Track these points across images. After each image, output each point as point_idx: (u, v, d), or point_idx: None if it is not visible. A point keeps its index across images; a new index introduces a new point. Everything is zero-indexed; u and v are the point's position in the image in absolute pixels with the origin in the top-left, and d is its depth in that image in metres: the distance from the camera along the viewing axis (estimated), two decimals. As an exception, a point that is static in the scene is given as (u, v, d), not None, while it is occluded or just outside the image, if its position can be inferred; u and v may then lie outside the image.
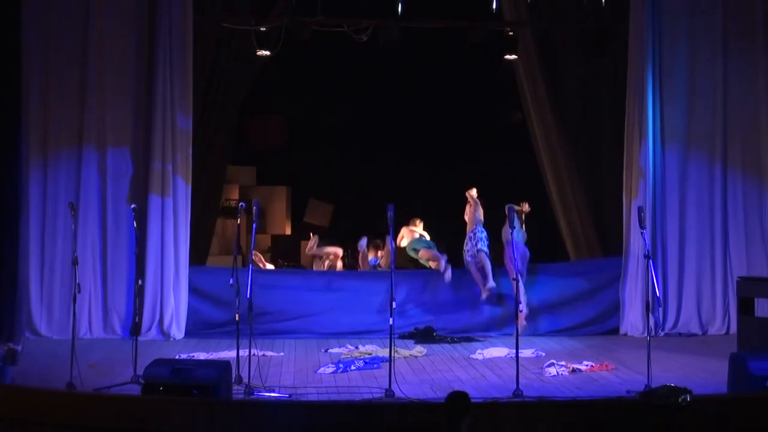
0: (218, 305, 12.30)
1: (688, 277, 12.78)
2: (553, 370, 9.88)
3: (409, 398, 8.60)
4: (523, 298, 11.57)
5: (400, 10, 13.20)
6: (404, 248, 13.32)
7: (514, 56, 13.75)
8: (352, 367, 10.12)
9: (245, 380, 8.98)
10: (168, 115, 12.27)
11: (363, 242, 14.04)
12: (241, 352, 9.19)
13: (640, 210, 9.37)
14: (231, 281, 9.27)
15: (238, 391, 8.68)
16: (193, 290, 12.35)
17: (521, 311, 9.22)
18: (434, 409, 7.66)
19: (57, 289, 12.09)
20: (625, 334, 12.57)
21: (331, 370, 10.04)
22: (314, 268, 14.05)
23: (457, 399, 6.73)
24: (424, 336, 12.24)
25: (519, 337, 9.25)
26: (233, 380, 8.76)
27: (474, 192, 12.72)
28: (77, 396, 8.27)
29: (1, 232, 11.39)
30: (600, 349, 11.39)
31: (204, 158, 13.39)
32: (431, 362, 10.69)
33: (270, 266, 13.97)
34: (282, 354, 11.07)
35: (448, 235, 14.48)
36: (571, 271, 13.23)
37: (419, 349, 11.36)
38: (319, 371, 10.02)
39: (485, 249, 12.40)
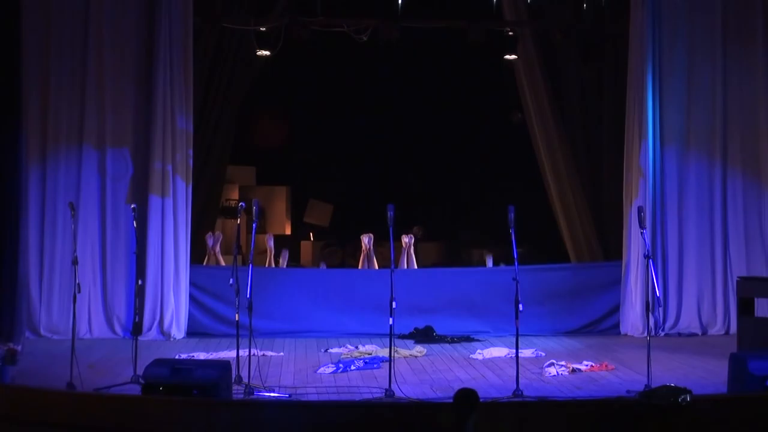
0: (219, 304, 12.38)
1: (687, 277, 12.79)
2: (553, 370, 9.88)
3: (409, 398, 8.60)
4: None
5: (400, 10, 13.21)
6: None
7: (514, 56, 13.75)
8: (352, 367, 10.12)
9: (245, 380, 8.98)
10: (168, 116, 12.27)
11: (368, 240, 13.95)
12: (241, 352, 9.20)
13: (640, 210, 9.36)
14: (231, 281, 9.27)
15: (238, 391, 8.68)
16: (192, 287, 12.39)
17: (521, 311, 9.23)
18: (434, 409, 7.66)
19: (57, 289, 12.09)
20: (625, 334, 12.58)
21: (331, 370, 10.04)
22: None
23: (466, 396, 6.73)
24: (424, 336, 12.25)
25: (519, 337, 9.26)
26: (233, 380, 8.75)
27: None
28: (77, 396, 8.26)
29: (1, 232, 11.39)
30: (600, 349, 11.40)
31: (204, 158, 13.39)
32: (431, 362, 10.69)
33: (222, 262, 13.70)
34: (282, 354, 11.08)
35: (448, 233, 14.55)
36: (572, 274, 13.25)
37: (419, 349, 11.36)
38: (319, 371, 10.02)
39: None
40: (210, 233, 13.67)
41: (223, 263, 13.38)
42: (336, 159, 16.75)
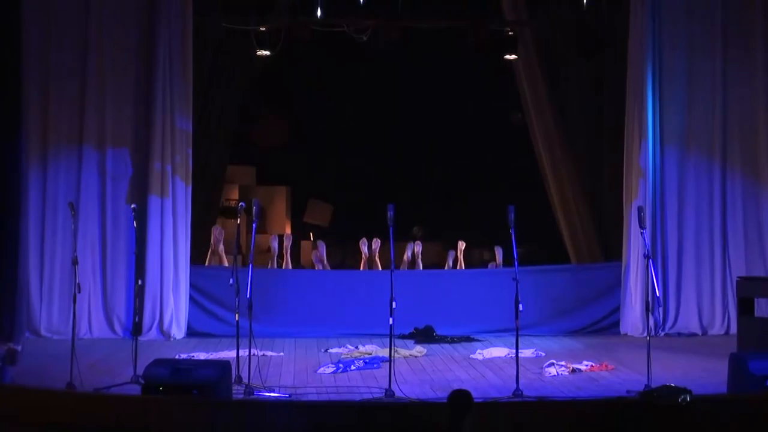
0: (218, 306, 12.40)
1: (687, 277, 12.81)
2: (553, 370, 9.88)
3: (409, 398, 8.59)
4: None
5: (400, 10, 13.21)
6: None
7: (514, 56, 13.75)
8: (352, 367, 10.12)
9: (245, 380, 8.98)
10: (167, 116, 12.28)
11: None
12: (241, 352, 9.19)
13: (640, 210, 9.35)
14: (231, 281, 9.27)
15: (238, 391, 8.68)
16: (192, 287, 12.41)
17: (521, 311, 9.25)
18: (434, 409, 7.66)
19: (57, 289, 12.10)
20: (625, 334, 12.59)
21: (331, 370, 10.04)
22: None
23: (460, 397, 6.74)
24: (424, 336, 12.25)
25: (519, 337, 9.26)
26: (233, 380, 8.75)
27: None
28: (77, 396, 8.26)
29: (1, 232, 11.40)
30: (600, 349, 11.40)
31: (204, 158, 13.39)
32: (431, 362, 10.69)
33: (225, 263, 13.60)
34: (282, 354, 11.08)
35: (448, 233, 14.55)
36: (572, 274, 13.28)
37: (419, 349, 11.36)
38: (319, 371, 10.02)
39: None
40: (216, 225, 13.64)
41: (226, 263, 13.32)
42: (336, 159, 16.75)
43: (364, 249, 14.03)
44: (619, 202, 13.10)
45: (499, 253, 14.26)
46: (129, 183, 12.36)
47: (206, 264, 13.32)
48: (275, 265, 13.98)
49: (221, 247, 13.46)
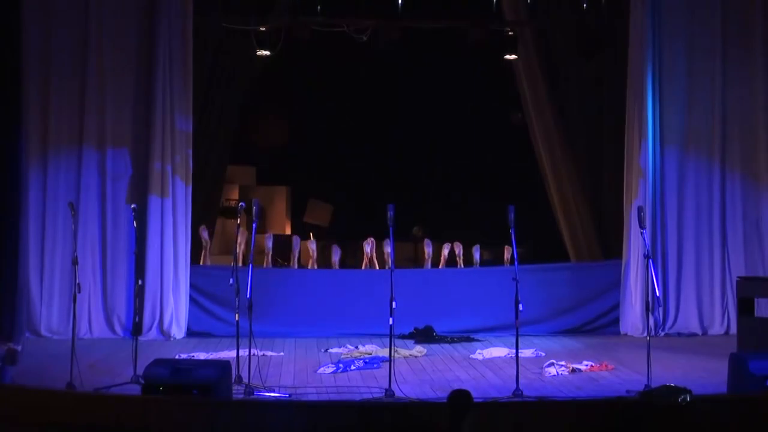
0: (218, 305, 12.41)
1: (687, 277, 12.82)
2: (553, 370, 9.88)
3: (409, 398, 8.60)
4: None
5: (400, 10, 13.21)
6: None
7: (514, 56, 13.75)
8: (352, 367, 10.12)
9: (245, 380, 8.98)
10: (167, 116, 12.29)
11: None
12: (241, 352, 9.20)
13: (640, 210, 9.36)
14: (231, 281, 9.28)
15: (238, 391, 8.68)
16: (192, 287, 12.42)
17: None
18: (434, 409, 7.66)
19: (57, 289, 12.11)
20: (625, 334, 12.60)
21: (331, 370, 10.04)
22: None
23: (460, 397, 6.74)
24: (424, 336, 12.25)
25: (519, 337, 9.26)
26: (233, 380, 8.76)
27: None
28: (77, 396, 8.27)
29: (1, 232, 11.40)
30: (600, 349, 11.40)
31: (204, 158, 13.39)
32: (431, 362, 10.69)
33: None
34: (282, 354, 11.08)
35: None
36: (572, 272, 13.28)
37: (419, 349, 11.37)
38: (319, 371, 10.02)
39: None
40: (204, 227, 13.55)
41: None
42: (336, 159, 16.75)
43: (367, 249, 14.03)
44: (619, 202, 13.11)
45: (476, 252, 14.17)
46: (129, 183, 12.37)
47: (200, 263, 13.29)
48: (270, 264, 13.92)
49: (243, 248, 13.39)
